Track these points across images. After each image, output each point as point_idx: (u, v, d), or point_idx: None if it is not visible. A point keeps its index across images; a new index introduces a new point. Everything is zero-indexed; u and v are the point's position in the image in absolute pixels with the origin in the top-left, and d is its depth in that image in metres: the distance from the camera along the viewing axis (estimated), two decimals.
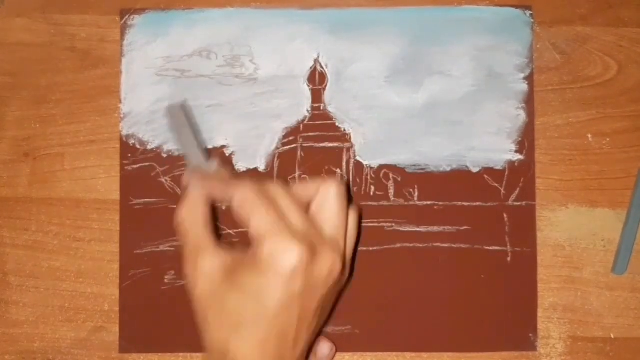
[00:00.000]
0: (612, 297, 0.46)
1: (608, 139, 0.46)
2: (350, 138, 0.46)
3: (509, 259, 0.46)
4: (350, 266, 0.41)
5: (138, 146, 0.46)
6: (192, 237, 0.39)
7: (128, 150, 0.46)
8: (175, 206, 0.46)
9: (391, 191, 0.46)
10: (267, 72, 0.46)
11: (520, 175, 0.46)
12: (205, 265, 0.38)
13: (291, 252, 0.36)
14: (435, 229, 0.46)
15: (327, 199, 0.39)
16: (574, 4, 0.47)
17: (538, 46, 0.47)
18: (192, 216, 0.39)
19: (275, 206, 0.38)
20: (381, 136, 0.46)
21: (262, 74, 0.46)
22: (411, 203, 0.46)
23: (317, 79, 0.46)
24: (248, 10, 0.47)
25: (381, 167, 0.46)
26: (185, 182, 0.41)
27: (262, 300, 0.36)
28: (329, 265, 0.37)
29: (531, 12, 0.47)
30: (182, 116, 0.43)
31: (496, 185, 0.46)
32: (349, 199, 0.43)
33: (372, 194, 0.46)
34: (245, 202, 0.38)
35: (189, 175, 0.41)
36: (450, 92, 0.46)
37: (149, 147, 0.46)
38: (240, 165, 0.46)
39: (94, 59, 0.47)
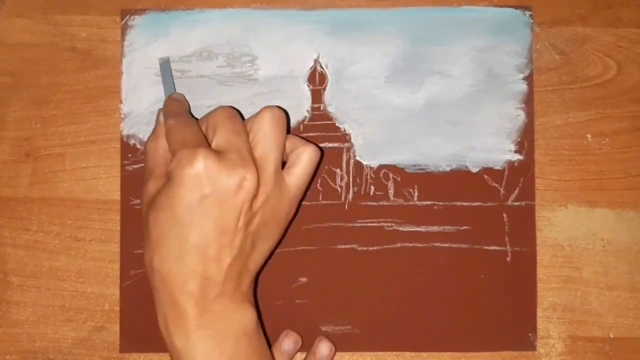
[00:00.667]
0: (611, 297, 0.46)
1: (607, 139, 0.47)
2: (350, 138, 0.46)
3: (508, 258, 0.46)
4: (297, 204, 0.42)
5: (139, 146, 0.46)
6: (149, 163, 0.41)
7: (129, 150, 0.46)
8: None
9: (391, 191, 0.46)
10: (267, 73, 0.47)
11: (519, 175, 0.46)
12: (148, 188, 0.40)
13: (193, 158, 0.37)
14: (435, 228, 0.46)
15: (260, 123, 0.40)
16: (574, 5, 0.47)
17: (537, 46, 0.47)
18: (153, 147, 0.41)
19: (192, 129, 0.40)
20: (381, 136, 0.46)
21: (262, 74, 0.47)
22: (411, 203, 0.46)
23: (317, 79, 0.47)
24: (248, 10, 0.47)
25: (381, 167, 0.46)
26: (157, 117, 0.43)
27: (173, 210, 0.37)
28: (237, 177, 0.37)
29: (530, 13, 0.47)
30: (169, 68, 0.46)
31: (496, 185, 0.46)
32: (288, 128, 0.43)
33: (372, 194, 0.46)
34: (167, 129, 0.40)
35: (160, 113, 0.43)
36: (450, 92, 0.47)
37: None
38: None
39: (94, 59, 0.47)
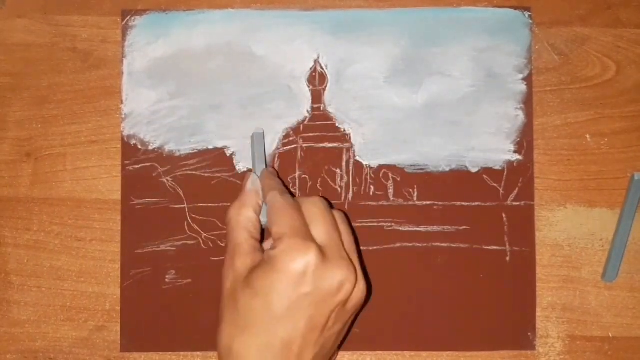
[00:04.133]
0: (611, 297, 0.46)
1: (606, 139, 0.47)
2: (350, 138, 0.47)
3: (507, 258, 0.46)
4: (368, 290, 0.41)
5: (139, 146, 0.46)
6: (234, 236, 0.40)
7: (129, 150, 0.46)
8: (176, 206, 0.46)
9: (391, 191, 0.46)
10: (267, 73, 0.47)
11: (519, 175, 0.46)
12: (236, 264, 0.39)
13: (303, 252, 0.37)
14: (435, 228, 0.46)
15: (340, 224, 0.40)
16: (573, 5, 0.47)
17: (537, 47, 0.47)
18: (237, 216, 0.41)
19: (301, 215, 0.39)
20: (381, 136, 0.47)
21: (263, 74, 0.47)
22: (410, 203, 0.46)
23: (317, 80, 0.47)
24: (248, 11, 0.47)
25: (381, 167, 0.46)
26: (243, 185, 0.42)
27: (270, 299, 0.37)
28: (339, 278, 0.37)
29: (530, 13, 0.47)
30: (261, 140, 0.45)
31: (495, 185, 0.46)
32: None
33: (371, 194, 0.46)
34: (273, 205, 0.39)
35: (248, 180, 0.42)
36: (450, 92, 0.47)
37: (150, 148, 0.46)
38: (241, 165, 0.46)
39: (95, 59, 0.47)
